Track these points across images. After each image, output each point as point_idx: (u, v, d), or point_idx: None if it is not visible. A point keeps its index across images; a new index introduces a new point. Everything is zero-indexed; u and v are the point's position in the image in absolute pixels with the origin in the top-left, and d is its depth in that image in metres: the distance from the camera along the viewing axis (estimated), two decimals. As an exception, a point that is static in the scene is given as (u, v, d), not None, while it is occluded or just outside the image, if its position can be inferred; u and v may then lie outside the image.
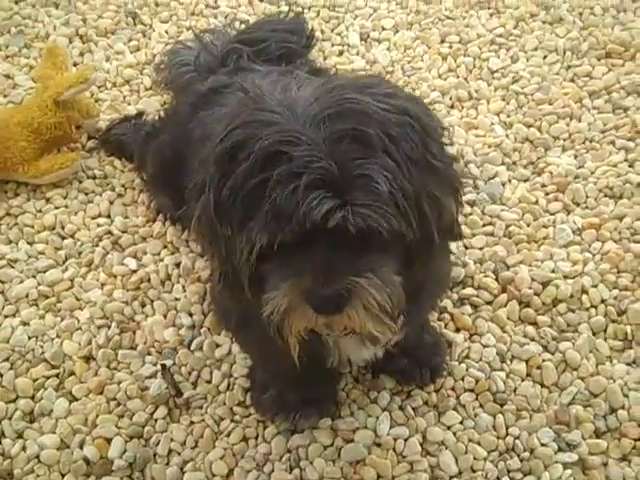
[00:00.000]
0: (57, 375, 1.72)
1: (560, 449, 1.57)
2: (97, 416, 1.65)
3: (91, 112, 2.03)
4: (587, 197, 1.93)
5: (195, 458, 1.59)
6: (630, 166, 1.97)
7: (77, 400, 1.68)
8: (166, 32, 2.37)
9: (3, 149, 1.95)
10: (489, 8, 2.39)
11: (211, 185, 1.08)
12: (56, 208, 1.99)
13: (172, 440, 1.62)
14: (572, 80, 2.18)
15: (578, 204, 1.92)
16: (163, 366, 1.69)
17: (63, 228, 1.94)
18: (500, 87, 2.17)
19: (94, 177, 2.05)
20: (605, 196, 1.93)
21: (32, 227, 1.95)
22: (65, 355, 1.74)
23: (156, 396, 1.65)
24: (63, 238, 1.93)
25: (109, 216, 1.97)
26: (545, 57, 2.24)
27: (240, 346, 1.64)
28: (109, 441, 1.62)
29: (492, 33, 2.30)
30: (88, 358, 1.74)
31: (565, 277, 1.79)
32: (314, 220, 0.99)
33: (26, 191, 2.03)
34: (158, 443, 1.61)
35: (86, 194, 2.02)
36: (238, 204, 1.05)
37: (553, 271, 1.80)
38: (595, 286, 1.77)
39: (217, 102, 1.60)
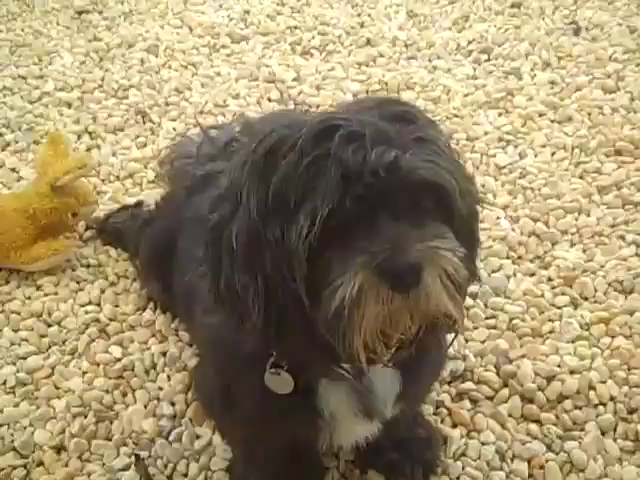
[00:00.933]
0: (25, 465, 1.61)
1: None
2: (62, 509, 1.53)
3: (88, 199, 2.00)
4: (596, 291, 1.84)
5: None
6: (641, 261, 1.88)
7: (43, 492, 1.57)
8: (174, 129, 2.37)
9: (-3, 235, 1.92)
10: (497, 108, 2.37)
11: (251, 192, 1.00)
12: (45, 295, 1.93)
13: (141, 537, 1.50)
14: (581, 177, 2.13)
15: (586, 298, 1.83)
16: (137, 457, 1.59)
17: (50, 315, 1.88)
18: (507, 182, 2.12)
19: (88, 265, 2.00)
20: (615, 290, 1.84)
21: (19, 314, 1.89)
22: (35, 444, 1.64)
23: (127, 489, 1.54)
24: (49, 325, 1.87)
25: (99, 304, 1.91)
26: (553, 154, 2.20)
27: (222, 433, 1.53)
28: (73, 536, 1.50)
29: (500, 130, 2.27)
30: (59, 448, 1.64)
31: (572, 372, 1.68)
32: (383, 167, 0.93)
33: (17, 278, 1.99)
34: (126, 542, 1.49)
35: (78, 282, 1.97)
36: (291, 193, 0.96)
37: (559, 365, 1.69)
38: (604, 382, 1.66)
39: (212, 185, 1.56)
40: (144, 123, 2.43)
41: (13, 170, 2.30)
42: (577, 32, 2.63)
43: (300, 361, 1.14)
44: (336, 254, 0.96)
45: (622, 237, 1.95)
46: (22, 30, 2.87)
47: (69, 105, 2.51)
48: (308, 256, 0.96)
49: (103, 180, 2.24)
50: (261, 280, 1.00)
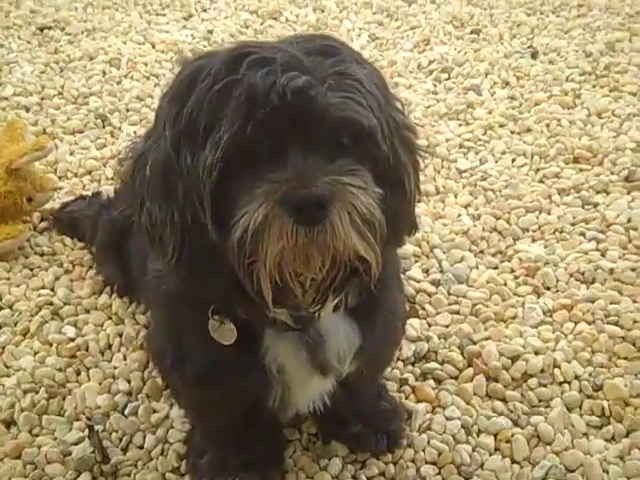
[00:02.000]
0: (-28, 439, 1.53)
1: (532, 525, 1.38)
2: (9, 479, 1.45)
3: (45, 185, 1.96)
4: (558, 281, 1.84)
5: (117, 528, 1.39)
6: (602, 255, 1.89)
7: (-11, 464, 1.49)
8: (134, 132, 2.34)
9: (-52, 216, 1.86)
10: (458, 119, 2.39)
11: (167, 122, 0.97)
12: (-3, 280, 1.87)
13: (93, 510, 1.42)
14: (541, 181, 2.15)
15: (548, 288, 1.83)
16: (91, 428, 1.52)
17: (1, 299, 1.82)
18: (468, 184, 2.13)
19: (42, 254, 1.95)
20: (576, 280, 1.84)
21: (-31, 298, 1.82)
22: (-17, 419, 1.56)
23: (79, 460, 1.48)
24: (0, 308, 1.80)
25: (52, 289, 1.85)
26: (514, 160, 2.22)
27: (176, 397, 1.47)
28: (20, 507, 1.41)
29: (460, 138, 2.29)
30: (9, 423, 1.57)
31: (536, 353, 1.67)
32: (293, 91, 0.90)
33: (-31, 264, 1.92)
34: (76, 512, 1.41)
35: (31, 269, 1.91)
36: (201, 119, 0.94)
37: (523, 347, 1.67)
38: (568, 362, 1.64)
39: None
40: (104, 127, 2.41)
41: (-32, 166, 2.23)
42: (535, 55, 2.69)
43: (222, 305, 1.10)
44: (243, 185, 0.94)
45: (582, 234, 1.96)
46: (-19, 42, 2.84)
47: (27, 109, 2.48)
48: (217, 186, 0.94)
49: (60, 177, 2.21)
50: (177, 214, 0.98)
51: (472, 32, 2.86)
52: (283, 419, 1.44)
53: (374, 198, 0.96)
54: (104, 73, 2.65)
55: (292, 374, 1.20)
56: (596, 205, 2.04)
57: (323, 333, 1.17)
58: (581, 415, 1.56)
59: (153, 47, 2.81)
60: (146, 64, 2.69)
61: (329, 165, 0.94)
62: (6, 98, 2.52)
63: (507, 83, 2.56)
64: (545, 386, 1.61)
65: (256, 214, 0.91)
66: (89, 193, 2.07)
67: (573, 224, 1.99)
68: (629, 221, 1.97)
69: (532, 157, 2.22)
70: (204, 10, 3.08)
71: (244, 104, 0.90)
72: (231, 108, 0.91)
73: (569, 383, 1.61)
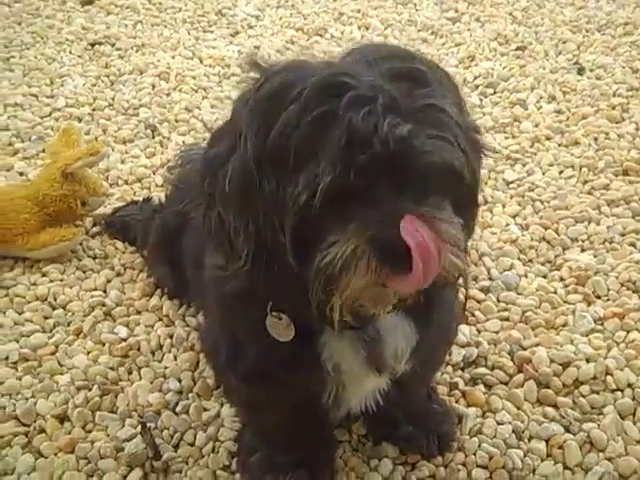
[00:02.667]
0: (26, 434, 1.56)
1: (588, 529, 1.36)
2: (63, 473, 1.47)
3: (98, 190, 1.99)
4: (609, 290, 1.83)
5: (169, 522, 1.40)
6: (653, 265, 1.87)
7: (44, 457, 1.50)
8: (183, 142, 2.38)
9: (4, 220, 1.90)
10: (504, 132, 2.40)
11: (248, 135, 0.95)
12: (51, 281, 1.91)
13: (145, 504, 1.43)
14: (589, 192, 2.14)
15: (599, 296, 1.82)
16: (143, 425, 1.54)
17: (55, 299, 1.85)
18: (516, 195, 2.13)
19: (94, 257, 1.98)
20: (628, 289, 1.83)
21: (23, 297, 1.86)
22: (37, 414, 1.60)
23: (131, 455, 1.49)
24: (54, 308, 1.84)
25: (105, 291, 1.88)
26: (561, 172, 2.21)
27: (228, 395, 1.48)
28: (74, 500, 1.43)
29: (507, 150, 2.29)
30: (62, 418, 1.59)
31: (587, 360, 1.65)
32: (395, 139, 0.88)
33: (22, 266, 1.96)
34: (129, 507, 1.42)
35: (84, 271, 1.94)
36: (291, 147, 0.92)
37: (574, 353, 1.66)
38: (620, 369, 1.63)
39: None
40: (153, 137, 2.44)
41: (21, 174, 2.29)
42: (581, 71, 2.69)
43: (288, 308, 1.11)
44: (332, 220, 0.93)
45: (633, 244, 1.95)
46: (35, 57, 2.90)
47: (79, 119, 2.52)
48: (302, 217, 0.93)
49: (111, 184, 2.24)
50: (252, 226, 0.98)
51: (517, 49, 2.86)
52: (334, 418, 1.44)
53: (459, 229, 0.97)
54: (153, 86, 2.69)
55: (348, 372, 1.20)
56: (646, 216, 2.03)
57: (381, 331, 1.16)
58: (634, 422, 1.55)
59: (201, 62, 2.85)
60: (194, 77, 2.73)
61: (420, 204, 0.94)
62: (59, 109, 2.56)
63: (553, 98, 2.55)
64: (597, 393, 1.59)
65: (345, 247, 0.91)
66: (140, 199, 2.09)
67: (623, 234, 1.98)
68: (680, 232, 1.95)
69: (580, 169, 2.21)
70: (250, 27, 3.12)
71: (345, 148, 0.89)
72: (331, 149, 0.89)
73: (622, 391, 1.60)
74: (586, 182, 2.17)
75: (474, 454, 1.49)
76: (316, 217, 0.92)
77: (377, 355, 1.18)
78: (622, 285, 1.83)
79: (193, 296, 1.69)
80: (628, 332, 1.72)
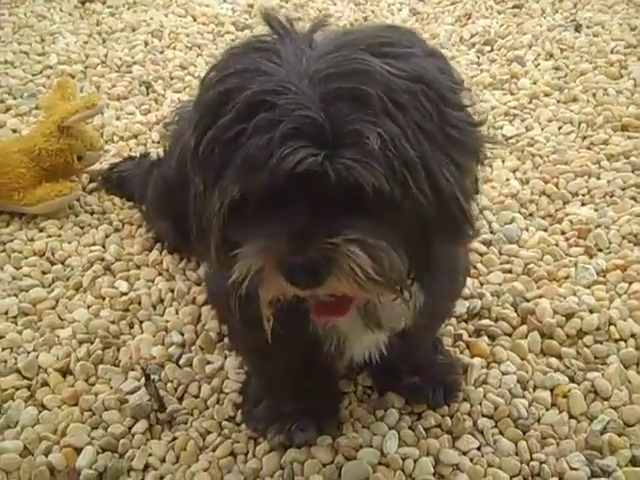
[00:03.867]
0: (28, 387, 1.55)
1: (594, 474, 1.38)
2: (68, 425, 1.47)
3: (95, 144, 1.97)
4: (610, 243, 1.82)
5: (175, 473, 1.39)
6: (654, 218, 1.87)
7: (48, 410, 1.49)
8: (178, 99, 2.35)
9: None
10: (502, 89, 2.38)
11: (195, 130, 0.99)
12: (48, 237, 1.89)
13: (150, 455, 1.43)
14: (589, 148, 2.13)
15: (601, 250, 1.81)
16: (147, 376, 1.53)
17: (53, 254, 1.84)
18: (515, 150, 2.12)
19: (92, 212, 1.96)
20: (629, 242, 1.82)
21: (21, 252, 1.84)
22: (40, 368, 1.59)
23: (136, 407, 1.48)
24: (52, 263, 1.82)
25: (103, 245, 1.86)
26: (560, 128, 2.20)
27: (232, 339, 1.49)
28: (79, 451, 1.43)
29: (506, 106, 2.28)
30: (65, 372, 1.58)
31: (591, 311, 1.65)
32: (286, 169, 0.89)
33: (19, 222, 1.94)
34: (134, 458, 1.41)
35: (81, 227, 1.92)
36: (215, 156, 0.95)
37: (577, 304, 1.66)
38: (624, 320, 1.63)
39: None
40: (148, 94, 2.41)
41: (14, 131, 2.25)
42: (578, 29, 2.66)
43: None
44: (247, 231, 0.97)
45: (634, 198, 1.94)
46: (25, 14, 2.85)
47: (72, 77, 2.47)
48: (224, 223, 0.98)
49: (107, 141, 2.21)
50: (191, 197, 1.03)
51: (514, 7, 2.83)
52: (339, 368, 1.43)
53: (381, 252, 0.96)
54: (146, 44, 2.65)
55: (345, 328, 1.20)
56: (647, 171, 2.02)
57: None
58: (638, 372, 1.55)
59: (194, 20, 2.81)
60: (188, 35, 2.69)
61: (333, 222, 0.94)
62: (50, 67, 2.52)
63: (551, 55, 2.53)
64: (601, 343, 1.59)
65: (250, 268, 0.97)
66: (137, 154, 2.07)
67: (623, 188, 1.97)
68: (681, 185, 1.95)
69: (579, 125, 2.20)
70: (244, -16, 3.07)
71: (243, 170, 0.92)
72: (234, 168, 0.93)
73: (625, 341, 1.60)
74: (585, 137, 2.16)
75: (480, 404, 1.49)
76: (233, 224, 0.97)
77: (374, 318, 1.16)
78: (624, 238, 1.83)
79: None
80: (630, 283, 1.72)
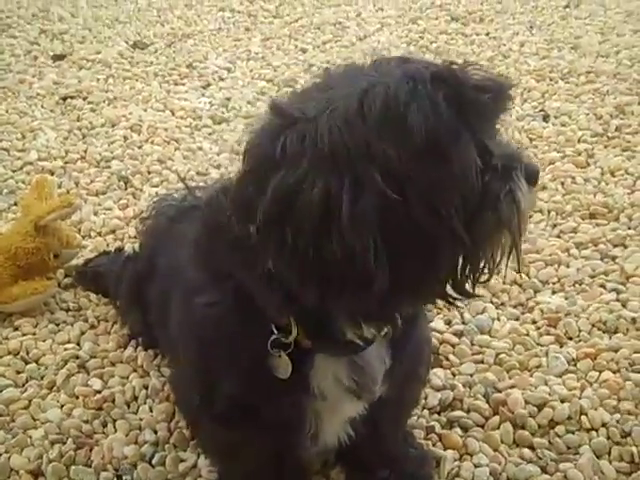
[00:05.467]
0: (0, 490, 1.53)
1: None
2: (38, 529, 1.44)
3: (71, 242, 2.00)
4: (580, 331, 1.85)
5: None
6: (623, 305, 1.90)
7: (18, 514, 1.48)
8: (156, 194, 2.38)
9: (-25, 274, 1.89)
10: (473, 178, 2.42)
11: (258, 206, 0.94)
12: (23, 335, 1.89)
13: None
14: (558, 236, 2.17)
15: (571, 338, 1.84)
16: (119, 478, 1.53)
17: (28, 353, 1.83)
18: (486, 239, 2.14)
19: (67, 309, 1.97)
20: (599, 330, 1.85)
21: (-5, 353, 1.84)
22: (12, 470, 1.57)
23: (108, 509, 1.46)
24: (26, 362, 1.82)
25: (78, 343, 1.87)
26: (531, 216, 2.24)
27: (200, 439, 1.47)
28: None
29: (477, 195, 2.32)
30: (37, 474, 1.56)
31: (562, 400, 1.66)
32: None
33: (-6, 321, 1.94)
34: None
35: (57, 324, 1.93)
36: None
37: (549, 394, 1.67)
38: (595, 409, 1.64)
39: (195, 217, 1.56)
40: (126, 189, 2.45)
41: (-7, 228, 2.28)
42: (546, 118, 2.75)
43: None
44: None
45: (602, 285, 1.98)
46: (7, 111, 2.92)
47: (52, 173, 2.52)
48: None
49: (84, 236, 2.24)
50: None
51: (484, 97, 2.91)
52: (312, 461, 1.43)
53: None
54: (125, 138, 2.71)
55: (331, 398, 1.20)
56: (614, 258, 2.06)
57: (366, 357, 1.17)
58: (610, 462, 1.55)
59: (173, 114, 2.88)
60: (166, 129, 2.75)
61: None
62: (30, 163, 2.57)
63: (520, 144, 2.59)
64: (573, 433, 1.60)
65: None
66: (112, 249, 2.09)
67: (592, 276, 2.01)
68: (649, 273, 1.99)
69: (549, 213, 2.25)
70: (221, 79, 3.16)
71: None
72: None
73: (597, 430, 1.60)
74: (555, 225, 2.21)
75: (452, 498, 1.49)
76: None
77: (361, 381, 1.19)
78: (593, 326, 1.85)
79: (160, 343, 1.68)
80: (600, 372, 1.73)
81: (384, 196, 0.90)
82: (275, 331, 1.12)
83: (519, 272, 1.95)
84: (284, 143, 0.93)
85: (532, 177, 1.01)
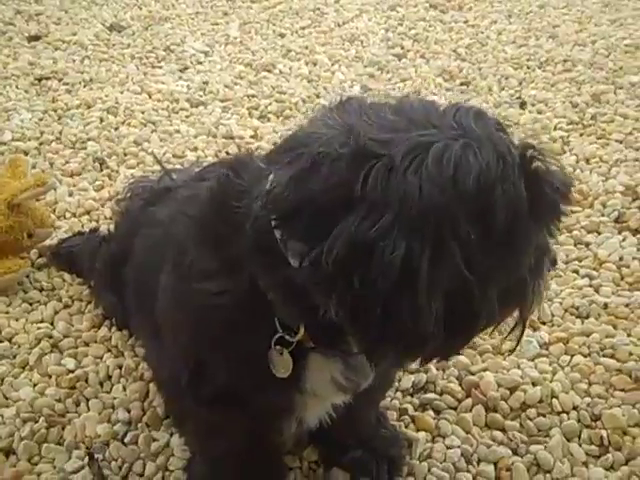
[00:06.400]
0: (-30, 468, 1.52)
1: None
2: (9, 506, 1.44)
3: (45, 221, 1.98)
4: (553, 316, 1.86)
5: None
6: (595, 291, 1.92)
7: (-12, 492, 1.48)
8: (132, 175, 2.37)
9: (-52, 252, 1.87)
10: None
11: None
12: (-4, 314, 1.87)
13: (91, 537, 1.41)
14: (533, 222, 2.17)
15: (544, 322, 1.85)
16: (91, 456, 1.52)
17: (1, 332, 1.83)
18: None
19: (41, 289, 1.96)
20: (571, 315, 1.86)
21: (-34, 331, 1.82)
22: (-18, 449, 1.56)
23: (79, 488, 1.46)
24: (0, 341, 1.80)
25: (52, 323, 1.86)
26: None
27: (180, 420, 1.47)
28: (19, 533, 1.40)
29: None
30: (8, 451, 1.56)
31: (534, 384, 1.68)
32: None
33: (-34, 299, 1.92)
34: (75, 540, 1.40)
35: (30, 304, 1.92)
36: None
37: (521, 377, 1.69)
38: (566, 392, 1.66)
39: (169, 198, 1.56)
40: (102, 170, 2.44)
41: (-33, 207, 2.25)
42: (523, 106, 2.76)
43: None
44: None
45: (576, 271, 1.99)
46: (-20, 92, 2.88)
47: (26, 153, 2.50)
48: None
49: (59, 217, 2.22)
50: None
51: (462, 84, 2.93)
52: (287, 442, 1.43)
53: None
54: (101, 120, 2.68)
55: (321, 394, 1.20)
56: (588, 244, 2.08)
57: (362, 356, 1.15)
58: (580, 444, 1.57)
59: (150, 96, 2.86)
60: (143, 112, 2.73)
61: None
62: (4, 143, 2.54)
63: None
64: (544, 416, 1.62)
65: None
66: (86, 230, 2.08)
67: (566, 262, 2.03)
68: (621, 259, 2.01)
69: (524, 201, 2.25)
70: (199, 63, 3.14)
71: None
72: None
73: (567, 413, 1.62)
74: (530, 213, 2.21)
75: (424, 478, 1.50)
76: None
77: (354, 378, 1.18)
78: (566, 311, 1.87)
79: (133, 322, 1.67)
80: (572, 356, 1.75)
81: (458, 271, 0.90)
82: (280, 329, 1.10)
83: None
84: (366, 178, 0.89)
85: (552, 265, 1.10)
